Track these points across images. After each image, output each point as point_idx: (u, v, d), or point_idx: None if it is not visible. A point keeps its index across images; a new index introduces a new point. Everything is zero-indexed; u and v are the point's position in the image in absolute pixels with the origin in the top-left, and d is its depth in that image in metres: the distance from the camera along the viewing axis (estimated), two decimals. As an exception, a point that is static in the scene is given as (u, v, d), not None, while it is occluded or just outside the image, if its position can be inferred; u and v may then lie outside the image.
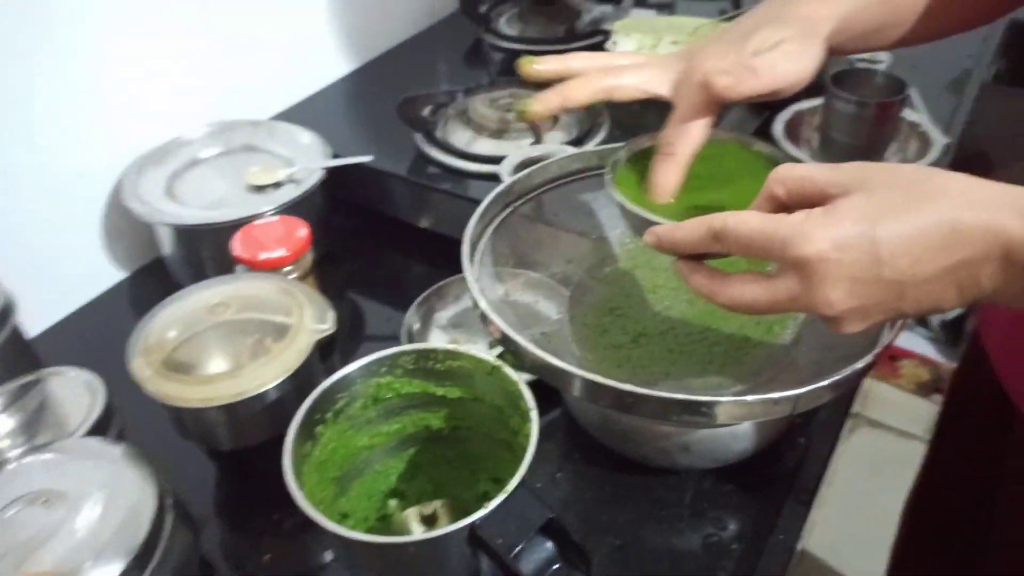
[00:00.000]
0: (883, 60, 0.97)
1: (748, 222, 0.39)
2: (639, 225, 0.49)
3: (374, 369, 0.51)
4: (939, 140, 0.83)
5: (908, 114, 0.86)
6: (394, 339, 0.70)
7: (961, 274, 0.36)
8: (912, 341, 1.87)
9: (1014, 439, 0.67)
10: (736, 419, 0.45)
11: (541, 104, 0.56)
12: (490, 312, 0.51)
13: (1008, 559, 0.71)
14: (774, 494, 0.58)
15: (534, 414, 0.46)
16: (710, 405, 0.44)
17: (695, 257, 0.44)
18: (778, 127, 0.86)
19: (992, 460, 0.72)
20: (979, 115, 1.03)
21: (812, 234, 0.37)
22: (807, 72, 0.53)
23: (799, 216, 0.38)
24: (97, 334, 0.75)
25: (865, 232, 0.36)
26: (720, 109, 0.53)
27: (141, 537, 0.47)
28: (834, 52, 0.56)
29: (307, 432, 0.48)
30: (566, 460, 0.62)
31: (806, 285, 0.38)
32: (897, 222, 0.36)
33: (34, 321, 0.74)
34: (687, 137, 0.52)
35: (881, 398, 1.81)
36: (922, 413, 1.74)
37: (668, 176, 0.53)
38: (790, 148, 0.83)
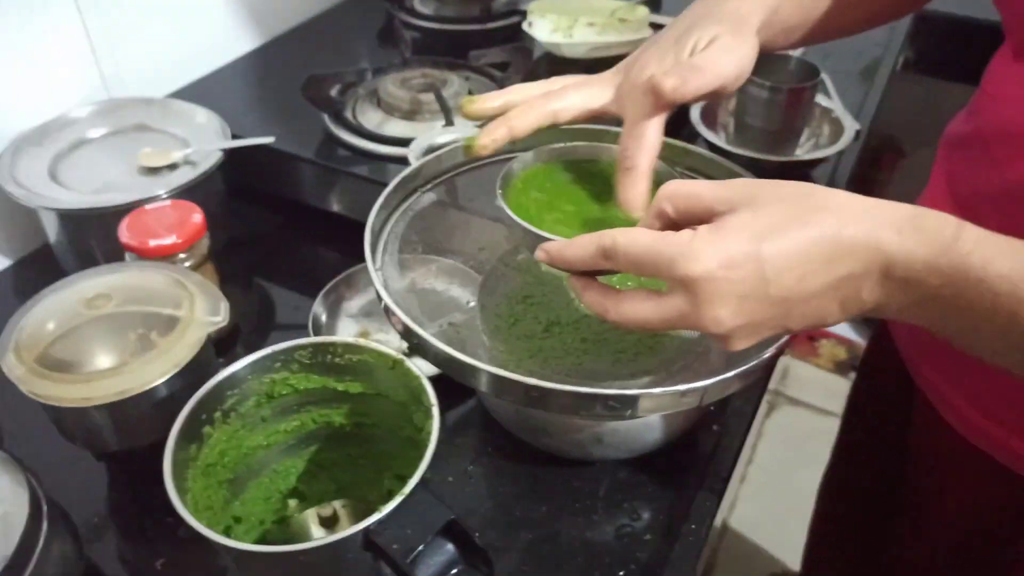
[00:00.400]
0: (797, 46, 0.97)
1: (637, 240, 0.39)
2: (531, 242, 0.48)
3: (267, 365, 0.48)
4: (851, 126, 0.84)
5: (821, 100, 0.87)
6: (304, 329, 0.66)
7: (843, 289, 0.37)
8: (829, 321, 1.92)
9: (918, 418, 0.69)
10: (643, 412, 0.44)
11: (487, 136, 0.55)
12: (392, 304, 0.48)
13: (915, 533, 0.73)
14: (688, 483, 0.57)
15: (435, 410, 0.44)
16: (617, 399, 0.43)
17: (589, 273, 0.43)
18: (694, 113, 0.85)
19: (898, 438, 0.73)
20: (889, 102, 1.06)
21: (699, 253, 0.36)
22: (746, 65, 0.53)
23: (686, 235, 0.38)
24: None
25: (751, 251, 0.36)
26: (669, 112, 0.52)
27: (11, 548, 0.44)
28: (761, 49, 0.56)
29: (191, 434, 0.44)
30: (480, 454, 0.60)
31: (694, 304, 0.37)
32: (782, 239, 0.36)
33: None
34: (644, 146, 0.51)
35: (800, 377, 1.86)
36: (840, 391, 1.78)
37: (634, 189, 0.51)
38: (706, 133, 0.83)
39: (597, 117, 0.56)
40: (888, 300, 0.37)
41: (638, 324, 0.40)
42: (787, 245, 0.36)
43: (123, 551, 0.55)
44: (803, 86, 0.80)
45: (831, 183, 0.86)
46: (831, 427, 0.94)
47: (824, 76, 0.94)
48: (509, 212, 0.51)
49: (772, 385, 1.82)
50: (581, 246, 0.42)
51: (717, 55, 0.52)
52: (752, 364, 0.44)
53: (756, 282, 0.36)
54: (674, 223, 0.41)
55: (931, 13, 0.94)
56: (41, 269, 0.75)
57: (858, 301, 0.37)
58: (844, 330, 1.90)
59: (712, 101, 0.54)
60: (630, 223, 0.46)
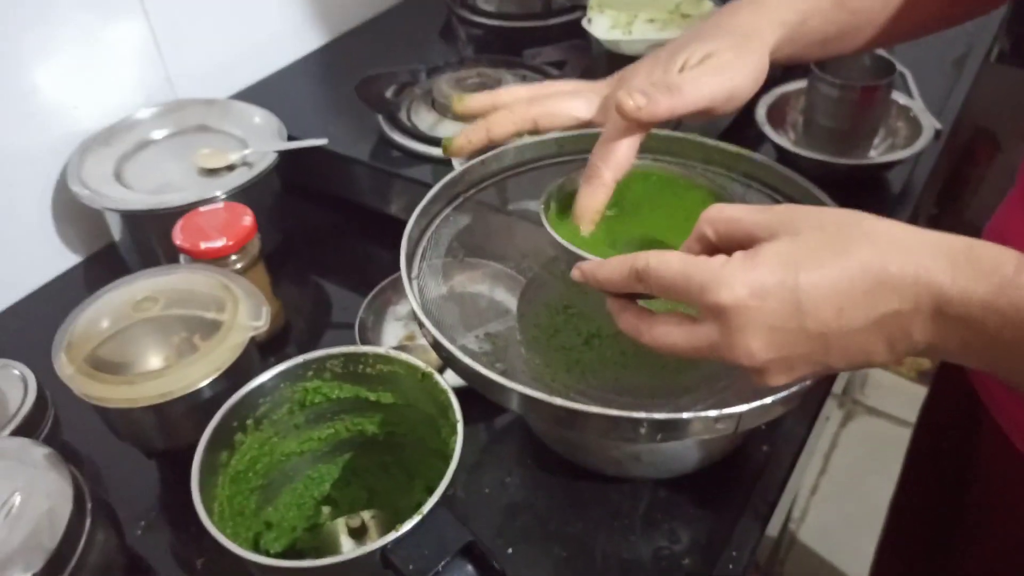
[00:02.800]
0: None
1: (670, 264, 0.37)
2: (569, 259, 0.47)
3: (300, 374, 0.48)
4: (930, 124, 0.79)
5: (898, 97, 0.82)
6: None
7: (889, 327, 0.34)
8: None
9: (984, 435, 0.65)
10: (675, 437, 0.42)
11: (464, 138, 0.55)
12: (422, 316, 0.47)
13: (976, 552, 0.70)
14: (731, 505, 0.55)
15: (460, 427, 0.43)
16: (647, 423, 0.41)
17: (629, 295, 0.41)
18: (761, 111, 0.82)
19: (964, 454, 0.70)
20: (982, 94, 0.99)
21: (730, 280, 0.35)
22: (741, 85, 0.50)
23: (719, 260, 0.36)
24: (48, 322, 0.73)
25: (785, 280, 0.34)
26: (645, 130, 0.49)
27: (55, 542, 0.45)
28: (792, 61, 0.54)
29: (222, 441, 0.45)
30: (518, 465, 0.59)
31: (724, 333, 0.35)
32: (820, 269, 0.34)
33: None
34: (611, 160, 0.49)
35: (881, 385, 1.78)
36: (921, 401, 1.71)
37: (592, 200, 0.50)
38: (772, 134, 0.79)
39: (586, 126, 0.55)
40: (942, 341, 0.34)
41: (667, 348, 0.39)
42: (825, 276, 0.34)
43: (167, 547, 0.57)
44: (877, 84, 0.75)
45: (908, 185, 0.81)
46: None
47: (904, 70, 0.89)
48: (549, 228, 0.50)
49: (850, 393, 1.74)
50: (614, 267, 0.40)
51: (704, 75, 0.49)
52: (792, 391, 0.42)
53: (790, 313, 0.34)
54: (715, 247, 0.39)
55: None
56: (108, 266, 0.78)
57: (908, 341, 0.34)
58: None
59: (703, 120, 0.51)
60: (674, 246, 0.44)
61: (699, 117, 0.51)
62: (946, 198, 1.79)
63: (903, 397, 1.73)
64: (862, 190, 0.79)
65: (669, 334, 0.38)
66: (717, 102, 0.49)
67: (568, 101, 0.55)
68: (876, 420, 1.71)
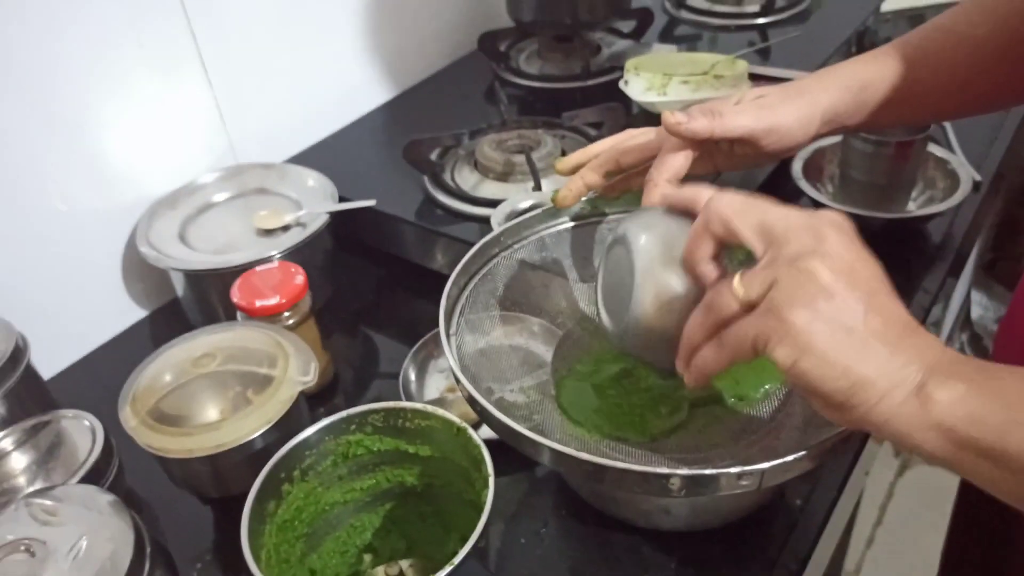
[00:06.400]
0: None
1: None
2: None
3: (343, 427, 0.51)
4: (968, 177, 0.79)
5: (936, 149, 0.83)
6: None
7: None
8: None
9: None
10: (698, 493, 0.43)
11: (566, 190, 0.61)
12: (458, 372, 0.50)
13: None
14: (765, 561, 0.55)
15: (491, 480, 0.45)
16: (671, 478, 0.43)
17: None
18: (797, 165, 0.83)
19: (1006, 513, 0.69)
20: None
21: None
22: (783, 123, 0.54)
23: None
24: (117, 373, 0.78)
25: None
26: (697, 147, 0.55)
27: (116, 586, 0.48)
28: (860, 127, 0.59)
29: (270, 492, 0.48)
30: (553, 515, 0.61)
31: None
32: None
33: (52, 360, 0.77)
34: (664, 167, 0.55)
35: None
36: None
37: (650, 198, 0.55)
38: (807, 188, 0.81)
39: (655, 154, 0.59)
40: (959, 462, 0.37)
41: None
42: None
43: (219, 591, 0.60)
44: (911, 139, 0.76)
45: (948, 237, 0.81)
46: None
47: (944, 123, 0.90)
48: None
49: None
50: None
51: (747, 109, 0.54)
52: (814, 446, 0.43)
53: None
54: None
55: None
56: (171, 321, 0.83)
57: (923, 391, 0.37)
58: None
59: (745, 163, 0.58)
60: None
61: (743, 149, 0.56)
62: (1002, 241, 1.76)
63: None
64: (901, 243, 0.80)
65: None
66: (757, 133, 0.54)
67: (641, 137, 0.60)
68: (932, 470, 1.67)
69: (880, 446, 1.13)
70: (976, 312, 1.79)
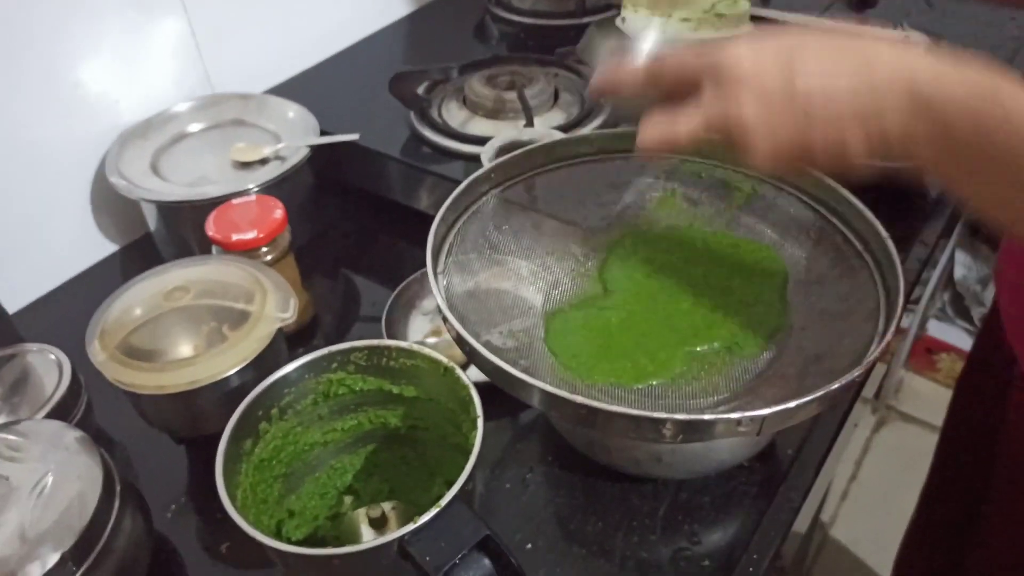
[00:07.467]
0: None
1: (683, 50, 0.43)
2: None
3: (324, 365, 0.49)
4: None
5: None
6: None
7: (867, 107, 0.37)
8: (952, 334, 1.80)
9: (1014, 413, 0.64)
10: (696, 439, 0.42)
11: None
12: (446, 310, 0.48)
13: (1001, 531, 0.71)
14: (754, 509, 0.54)
15: (480, 422, 0.44)
16: (669, 423, 0.41)
17: None
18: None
19: (993, 436, 0.69)
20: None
21: (735, 42, 0.40)
22: None
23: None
24: (85, 308, 0.75)
25: (782, 43, 0.39)
26: None
27: (83, 524, 0.46)
28: None
29: (247, 430, 0.46)
30: (539, 462, 0.59)
31: (723, 88, 0.39)
32: (817, 38, 0.39)
33: (17, 294, 0.74)
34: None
35: (917, 392, 1.75)
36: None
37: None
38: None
39: None
40: (912, 126, 0.37)
41: (692, 135, 0.42)
42: (820, 41, 0.39)
43: (193, 532, 0.58)
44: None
45: (944, 194, 0.79)
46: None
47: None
48: None
49: (884, 399, 1.71)
50: (631, 69, 0.45)
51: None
52: (817, 395, 0.41)
53: (780, 70, 0.38)
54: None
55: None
56: (143, 256, 0.79)
57: (881, 129, 0.37)
58: (967, 344, 1.76)
59: None
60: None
61: None
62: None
63: (937, 404, 1.68)
64: (900, 195, 0.78)
65: (690, 118, 0.41)
66: None
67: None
68: (909, 426, 1.68)
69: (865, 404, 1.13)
70: (959, 272, 1.79)
